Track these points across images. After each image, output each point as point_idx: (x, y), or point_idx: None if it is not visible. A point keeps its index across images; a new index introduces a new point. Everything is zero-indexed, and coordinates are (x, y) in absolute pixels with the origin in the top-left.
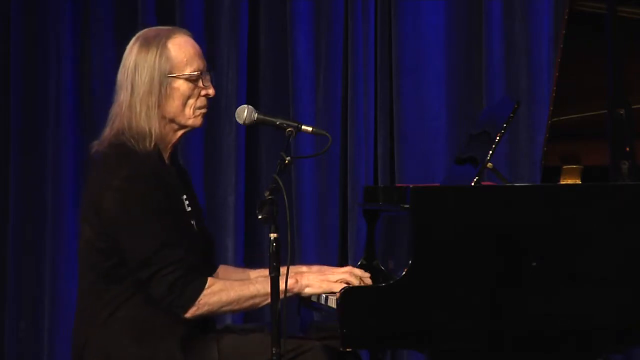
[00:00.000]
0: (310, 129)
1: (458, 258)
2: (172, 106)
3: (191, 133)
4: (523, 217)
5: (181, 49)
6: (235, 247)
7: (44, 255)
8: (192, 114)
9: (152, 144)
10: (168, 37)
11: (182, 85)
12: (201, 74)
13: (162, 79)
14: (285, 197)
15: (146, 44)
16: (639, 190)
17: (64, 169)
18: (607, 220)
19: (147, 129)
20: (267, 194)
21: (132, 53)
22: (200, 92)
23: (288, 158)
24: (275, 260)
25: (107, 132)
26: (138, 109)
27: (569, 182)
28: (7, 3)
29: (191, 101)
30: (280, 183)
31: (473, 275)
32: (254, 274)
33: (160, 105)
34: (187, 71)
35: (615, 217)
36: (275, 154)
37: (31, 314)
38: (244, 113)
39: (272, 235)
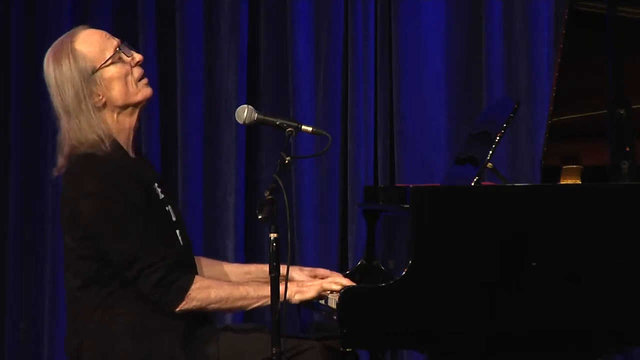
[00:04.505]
0: (310, 129)
1: (458, 258)
2: (117, 94)
3: (191, 133)
4: (523, 217)
5: (88, 42)
6: (235, 247)
7: (44, 255)
8: (136, 88)
9: (114, 141)
10: (71, 40)
11: (111, 71)
12: (119, 50)
13: (90, 79)
14: (285, 197)
15: (57, 57)
16: (639, 190)
17: None
18: (607, 220)
19: (97, 136)
20: (267, 194)
21: (48, 72)
22: (130, 65)
23: (288, 158)
24: (275, 260)
25: (60, 159)
26: (81, 124)
27: (569, 182)
28: (7, 3)
29: (129, 78)
30: (280, 183)
31: (473, 275)
32: (229, 267)
33: (105, 103)
34: (107, 55)
35: (615, 217)
36: (275, 154)
37: (31, 314)
38: (244, 113)
39: (272, 235)
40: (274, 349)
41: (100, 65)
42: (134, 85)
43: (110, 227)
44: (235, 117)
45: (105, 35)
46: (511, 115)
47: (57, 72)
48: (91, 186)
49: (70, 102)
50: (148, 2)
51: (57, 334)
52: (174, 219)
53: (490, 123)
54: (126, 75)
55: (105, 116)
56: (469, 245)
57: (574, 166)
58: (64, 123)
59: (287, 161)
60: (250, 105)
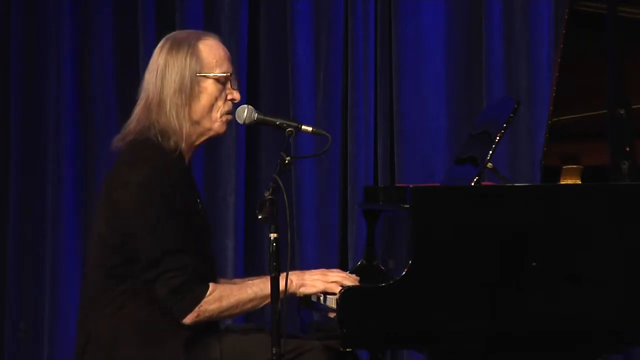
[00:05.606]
0: (310, 129)
1: (458, 258)
2: (200, 107)
3: None
4: (523, 217)
5: (212, 50)
6: (235, 247)
7: (44, 255)
8: (217, 118)
9: (178, 142)
10: (199, 38)
11: (210, 86)
12: (230, 76)
13: (192, 78)
14: (285, 197)
15: (177, 44)
16: (639, 190)
17: (64, 168)
18: (607, 220)
19: (175, 127)
20: (267, 194)
21: (162, 53)
22: (227, 96)
23: (288, 158)
24: (275, 260)
25: (132, 127)
26: (168, 107)
27: (569, 182)
28: (7, 3)
29: (219, 103)
30: (280, 183)
31: (473, 275)
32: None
33: (189, 105)
34: (216, 72)
35: (615, 217)
36: (275, 154)
37: (31, 314)
38: (244, 113)
39: (272, 235)
40: (274, 349)
41: (206, 72)
42: (217, 113)
43: (144, 223)
44: (235, 117)
45: (228, 56)
46: (511, 115)
47: (171, 55)
48: (139, 177)
49: (171, 85)
50: (148, 2)
51: (57, 334)
52: (207, 235)
53: (490, 123)
54: (217, 99)
55: (188, 117)
56: (469, 245)
57: (574, 166)
58: (155, 95)
59: (287, 161)
60: (250, 105)
